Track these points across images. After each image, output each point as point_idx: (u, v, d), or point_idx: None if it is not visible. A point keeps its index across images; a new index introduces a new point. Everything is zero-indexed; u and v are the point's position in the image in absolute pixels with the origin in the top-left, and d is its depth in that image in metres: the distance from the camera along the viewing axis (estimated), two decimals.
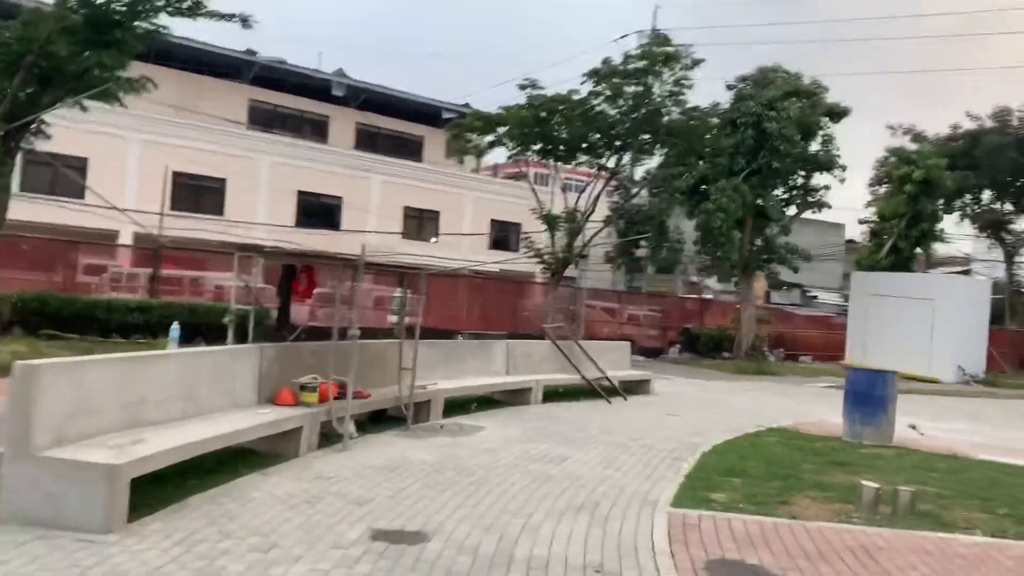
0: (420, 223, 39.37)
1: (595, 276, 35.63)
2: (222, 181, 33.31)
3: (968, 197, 36.73)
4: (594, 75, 23.89)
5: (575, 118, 23.60)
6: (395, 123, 42.49)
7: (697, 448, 10.72)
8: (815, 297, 55.06)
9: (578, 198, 25.32)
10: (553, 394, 14.81)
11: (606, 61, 24.15)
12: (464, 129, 25.20)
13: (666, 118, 24.62)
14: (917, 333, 27.78)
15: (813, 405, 17.71)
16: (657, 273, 40.74)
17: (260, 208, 33.96)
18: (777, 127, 26.85)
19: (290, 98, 39.23)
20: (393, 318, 16.28)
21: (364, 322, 11.09)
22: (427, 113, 42.24)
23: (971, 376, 27.58)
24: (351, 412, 9.45)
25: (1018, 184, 35.96)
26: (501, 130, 24.85)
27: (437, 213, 39.79)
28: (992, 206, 37.32)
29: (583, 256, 26.12)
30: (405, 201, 38.62)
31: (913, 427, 13.67)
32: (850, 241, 54.21)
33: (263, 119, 38.13)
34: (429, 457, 9.04)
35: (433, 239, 37.31)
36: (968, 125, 36.67)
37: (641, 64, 23.72)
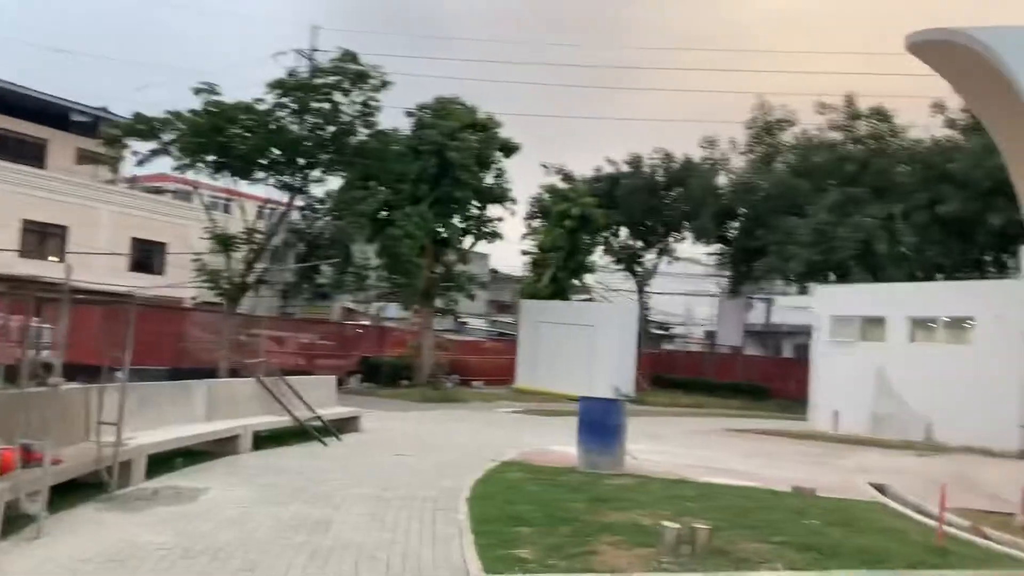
0: (43, 239, 33.64)
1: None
2: None
3: (608, 233, 40.53)
4: (279, 87, 22.17)
5: (258, 130, 21.64)
6: (10, 122, 36.03)
7: (457, 494, 9.86)
8: (466, 323, 57.20)
9: (256, 218, 23.27)
10: (258, 439, 12.98)
11: (292, 73, 22.58)
12: (125, 133, 21.88)
13: (354, 139, 23.64)
14: (579, 357, 29.69)
15: (522, 433, 17.78)
16: (315, 299, 39.30)
17: None
18: (459, 157, 27.19)
19: None
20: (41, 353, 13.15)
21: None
22: (52, 113, 36.38)
23: (624, 395, 30.10)
24: (44, 483, 7.14)
25: (648, 224, 40.47)
26: (167, 137, 22.01)
27: (64, 228, 34.30)
28: (627, 242, 41.54)
29: (263, 282, 24.02)
30: (23, 213, 32.73)
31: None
32: (493, 271, 57.35)
33: None
34: (162, 538, 7.09)
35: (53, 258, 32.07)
36: (608, 169, 40.57)
37: (331, 79, 22.51)
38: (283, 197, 23.94)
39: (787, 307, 42.79)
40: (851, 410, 21.57)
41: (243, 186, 24.17)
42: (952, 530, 9.33)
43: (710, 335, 51.68)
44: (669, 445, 17.46)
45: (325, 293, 36.13)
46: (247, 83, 36.80)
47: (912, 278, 30.15)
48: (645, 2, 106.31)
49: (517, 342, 33.58)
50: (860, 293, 23.68)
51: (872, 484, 12.80)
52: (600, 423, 12.22)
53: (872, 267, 30.29)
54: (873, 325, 22.11)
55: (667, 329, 55.69)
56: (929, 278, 30.70)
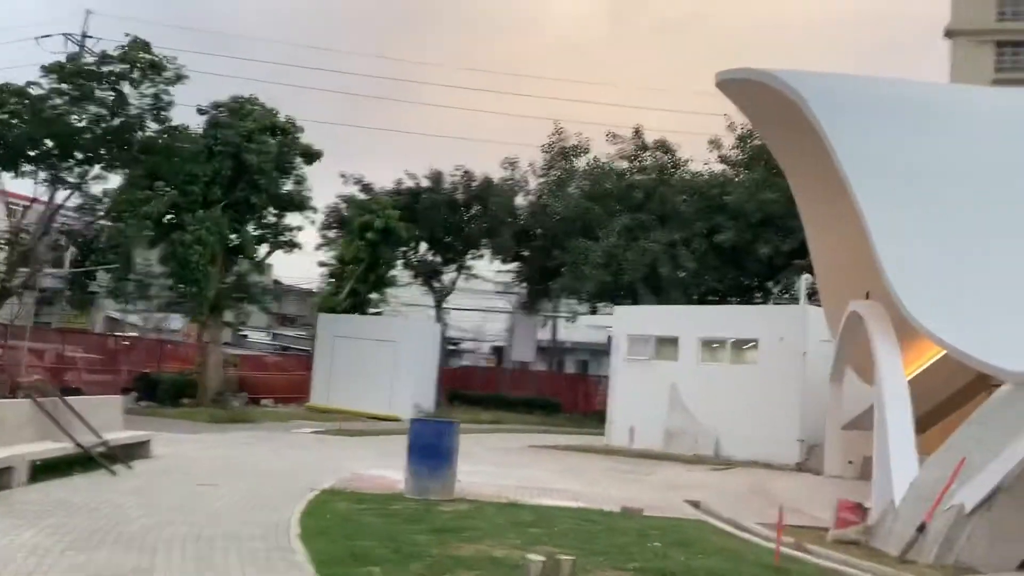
0: None
1: None
2: None
3: (408, 248, 40.02)
4: (57, 71, 19.75)
5: (30, 118, 19.14)
6: None
7: (286, 530, 8.98)
8: (246, 336, 54.33)
9: (9, 216, 20.58)
10: (34, 470, 11.24)
11: (73, 58, 20.22)
12: None
13: (142, 134, 21.57)
14: (380, 373, 28.92)
15: (330, 456, 16.82)
16: (76, 308, 35.68)
17: None
18: (258, 161, 25.64)
19: None
20: None
21: None
22: None
23: (425, 413, 29.67)
24: None
25: (447, 240, 40.38)
26: None
27: None
28: (427, 257, 41.20)
29: (28, 287, 21.20)
30: None
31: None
32: (276, 282, 55.00)
33: None
34: None
35: None
36: (408, 183, 40.08)
37: (119, 68, 20.39)
38: (57, 194, 21.28)
39: (575, 325, 44.64)
40: (646, 426, 22.53)
41: (6, 180, 21.27)
42: (780, 548, 9.75)
43: (497, 351, 52.54)
44: (483, 464, 17.22)
45: (89, 302, 32.84)
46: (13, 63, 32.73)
47: (691, 300, 32.32)
48: (448, 25, 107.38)
49: (311, 357, 32.19)
50: (656, 314, 24.92)
51: (687, 501, 13.27)
52: (433, 447, 11.73)
53: (656, 289, 32.11)
54: (667, 345, 23.30)
55: (456, 344, 55.99)
56: (703, 301, 33.05)
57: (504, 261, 39.40)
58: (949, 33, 48.23)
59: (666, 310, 26.21)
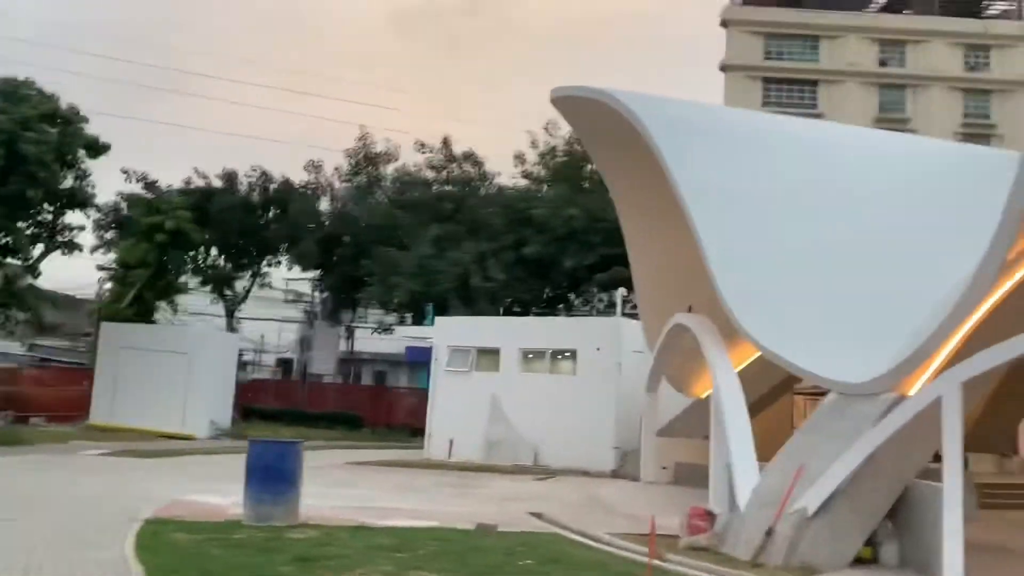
0: None
1: None
2: None
3: (199, 252, 37.40)
4: None
5: None
6: None
7: (125, 569, 7.90)
8: None
9: None
10: None
11: None
12: None
13: None
14: (172, 388, 26.70)
15: (135, 480, 15.24)
16: None
17: None
18: (36, 150, 22.87)
19: None
20: None
21: None
22: None
23: (221, 430, 27.75)
24: None
25: (242, 245, 38.22)
26: None
27: None
28: (219, 263, 38.72)
29: None
30: None
31: None
32: (31, 286, 49.69)
33: None
34: None
35: None
36: (199, 182, 37.51)
37: None
38: None
39: (370, 337, 43.76)
40: (466, 437, 22.40)
41: None
42: (636, 556, 9.90)
43: (285, 363, 50.27)
44: (307, 485, 16.28)
45: None
46: None
47: (500, 311, 32.77)
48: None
49: (88, 370, 29.15)
50: (477, 325, 24.89)
51: (531, 513, 13.22)
52: (276, 469, 10.83)
53: (467, 299, 32.22)
54: (488, 356, 23.34)
55: (240, 355, 53.08)
56: (510, 312, 33.63)
57: (305, 269, 37.91)
58: (724, 67, 52.48)
59: (487, 321, 26.31)
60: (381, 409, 38.73)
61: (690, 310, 15.98)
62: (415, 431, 34.81)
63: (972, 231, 12.36)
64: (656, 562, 9.59)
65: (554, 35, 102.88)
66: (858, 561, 10.07)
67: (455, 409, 22.93)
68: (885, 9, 53.05)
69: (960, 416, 9.28)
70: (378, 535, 10.37)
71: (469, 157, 37.15)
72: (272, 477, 10.81)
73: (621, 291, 23.45)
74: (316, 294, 40.48)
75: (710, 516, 10.85)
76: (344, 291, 36.54)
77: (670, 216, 16.43)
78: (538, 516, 13.07)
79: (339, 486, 16.20)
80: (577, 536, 11.37)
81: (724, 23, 52.07)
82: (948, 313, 9.85)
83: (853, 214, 13.43)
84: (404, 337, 34.99)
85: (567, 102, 16.67)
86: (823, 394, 17.79)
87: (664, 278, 17.73)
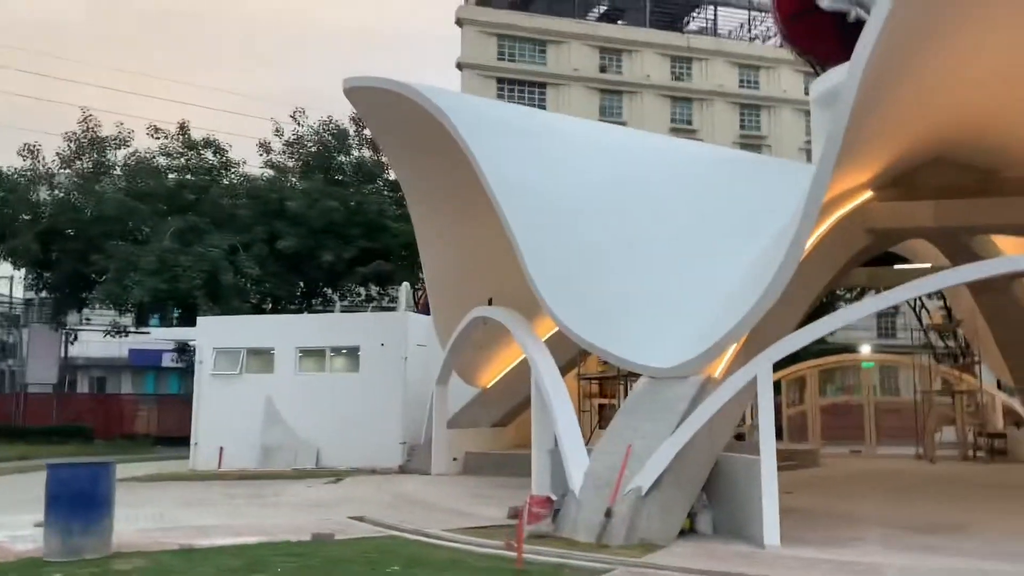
0: None
1: None
2: None
3: None
4: None
5: None
6: None
7: None
8: None
9: None
10: None
11: None
12: None
13: None
14: None
15: None
16: None
17: None
18: None
19: None
20: None
21: None
22: None
23: None
24: None
25: None
26: None
27: None
28: None
29: None
30: None
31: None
32: None
33: None
34: None
35: None
36: None
37: None
38: None
39: (87, 341, 39.61)
40: (238, 444, 21.10)
41: None
42: (490, 551, 10.03)
43: None
44: None
45: None
46: None
47: (252, 308, 31.07)
48: None
49: None
50: (246, 325, 23.36)
51: (352, 518, 12.82)
52: (86, 495, 9.53)
53: (215, 297, 30.16)
54: (261, 357, 22.10)
55: None
56: (259, 309, 32.01)
57: (19, 267, 33.27)
58: (460, 66, 53.81)
59: (258, 320, 24.88)
60: (112, 419, 35.29)
61: (490, 303, 16.36)
62: (159, 440, 32.22)
63: (749, 225, 13.96)
64: (507, 552, 9.79)
65: (285, 23, 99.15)
66: (680, 533, 11.00)
67: (224, 415, 21.47)
68: (603, 18, 57.49)
69: (772, 392, 10.51)
70: (218, 557, 9.54)
71: (210, 144, 34.74)
72: (82, 504, 9.50)
73: (405, 285, 23.33)
74: (33, 294, 35.73)
75: (549, 503, 11.23)
76: (70, 290, 32.55)
77: (468, 212, 16.76)
78: (360, 520, 12.73)
79: (119, 506, 14.54)
80: (418, 536, 11.21)
81: (459, 22, 53.40)
82: (754, 303, 11.01)
83: (651, 210, 14.54)
84: (160, 340, 32.12)
85: (362, 93, 16.27)
86: (607, 378, 19.14)
87: (459, 272, 17.97)
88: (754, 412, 14.82)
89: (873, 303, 14.88)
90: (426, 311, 21.88)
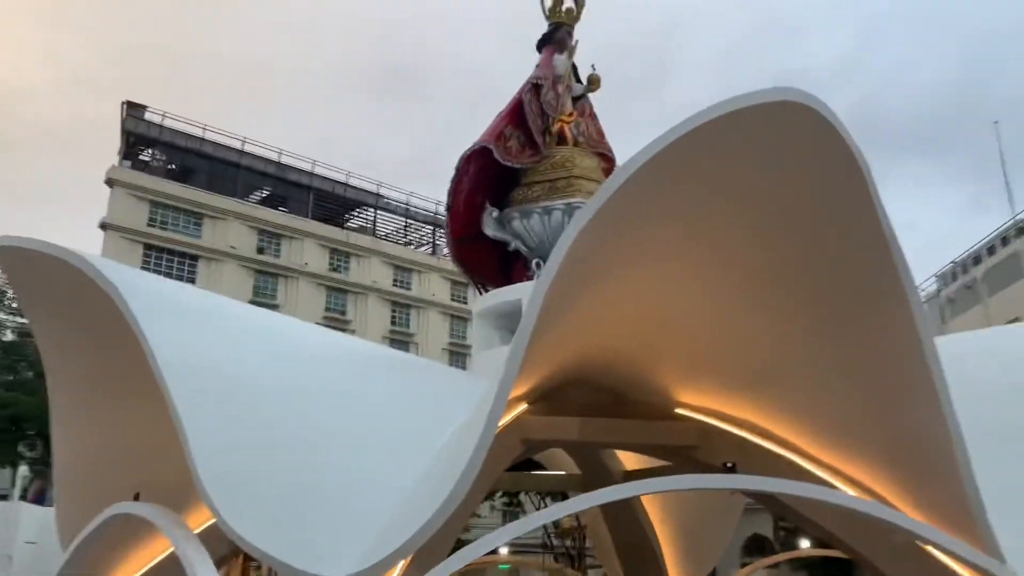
0: None
1: None
2: None
3: None
4: None
5: None
6: None
7: None
8: None
9: None
10: None
11: None
12: None
13: None
14: None
15: None
16: None
17: None
18: None
19: None
20: None
21: None
22: None
23: None
24: None
25: None
26: None
27: None
28: None
29: None
30: None
31: None
32: None
33: None
34: None
35: None
36: None
37: None
38: None
39: None
40: None
41: None
42: None
43: None
44: None
45: None
46: None
47: None
48: None
49: None
50: None
51: None
52: None
53: None
54: None
55: None
56: None
57: None
58: (104, 226, 50.32)
59: None
60: None
61: (137, 497, 14.70)
62: None
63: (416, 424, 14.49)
64: None
65: None
66: None
67: None
68: (265, 202, 58.06)
69: None
70: None
71: None
72: None
73: (23, 471, 20.11)
74: None
75: None
76: None
77: (119, 394, 15.30)
78: None
79: None
80: None
81: (109, 182, 50.72)
82: (439, 504, 11.23)
83: (332, 401, 14.44)
84: None
85: (13, 253, 14.52)
86: None
87: (98, 460, 15.98)
88: None
89: (548, 513, 15.84)
90: (37, 502, 19.05)
